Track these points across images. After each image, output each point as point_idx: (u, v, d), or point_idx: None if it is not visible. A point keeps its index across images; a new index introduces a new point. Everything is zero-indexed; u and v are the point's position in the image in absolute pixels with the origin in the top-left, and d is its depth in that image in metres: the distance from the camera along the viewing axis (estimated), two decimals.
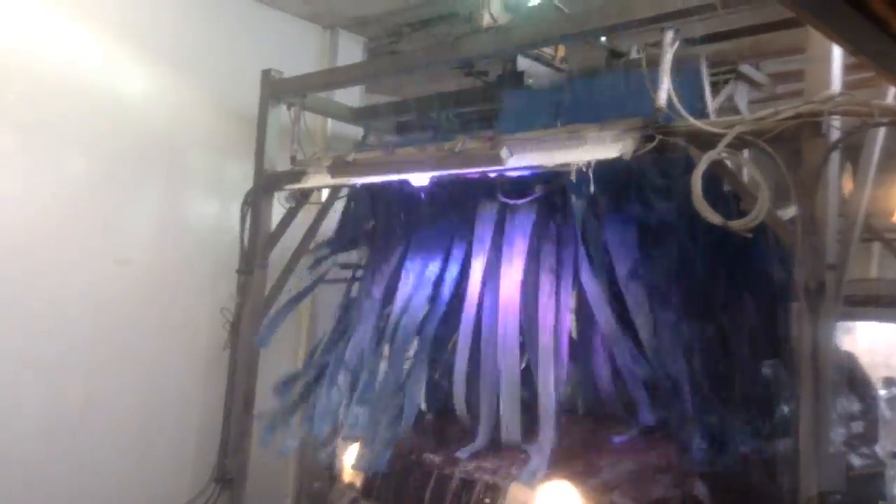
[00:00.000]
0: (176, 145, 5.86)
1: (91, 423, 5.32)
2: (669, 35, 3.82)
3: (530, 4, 4.48)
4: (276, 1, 6.40)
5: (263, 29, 6.42)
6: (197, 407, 6.00)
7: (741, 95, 4.42)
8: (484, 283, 4.65)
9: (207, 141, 6.07)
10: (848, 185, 3.59)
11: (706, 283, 4.42)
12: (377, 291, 5.15)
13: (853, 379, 4.92)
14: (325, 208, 5.77)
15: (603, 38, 4.77)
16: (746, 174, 3.81)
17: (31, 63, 5.04)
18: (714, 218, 3.45)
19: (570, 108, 4.46)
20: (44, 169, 5.11)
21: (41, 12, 5.09)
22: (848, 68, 3.59)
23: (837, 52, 3.51)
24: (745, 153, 3.77)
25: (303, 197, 5.67)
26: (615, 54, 4.97)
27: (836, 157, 3.45)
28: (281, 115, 5.92)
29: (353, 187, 5.21)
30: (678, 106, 3.66)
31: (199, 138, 6.01)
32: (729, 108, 4.63)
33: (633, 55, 4.89)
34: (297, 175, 5.52)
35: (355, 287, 5.52)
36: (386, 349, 4.96)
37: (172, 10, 5.81)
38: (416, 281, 4.97)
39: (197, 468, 5.87)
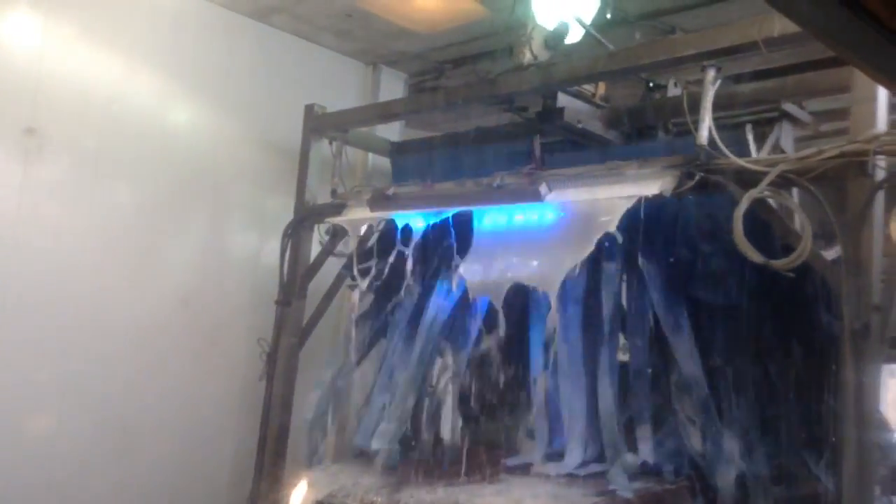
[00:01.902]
0: (219, 178, 5.98)
1: (128, 451, 5.37)
2: (711, 73, 3.81)
3: (571, 42, 4.49)
4: (319, 38, 6.51)
5: (307, 65, 6.54)
6: (232, 436, 6.02)
7: (786, 134, 4.37)
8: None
9: (250, 173, 6.18)
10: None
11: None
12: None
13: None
14: (363, 240, 5.78)
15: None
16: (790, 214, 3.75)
17: (82, 97, 5.20)
18: (756, 257, 3.42)
19: None
20: (91, 199, 5.25)
21: (92, 47, 5.26)
22: (894, 107, 3.54)
23: (883, 91, 3.46)
24: (794, 193, 3.72)
25: (341, 229, 5.70)
26: (653, 88, 4.94)
27: (881, 196, 3.40)
28: (322, 148, 5.98)
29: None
30: (720, 143, 3.64)
31: (241, 171, 6.12)
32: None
33: (672, 90, 4.86)
34: (337, 208, 5.56)
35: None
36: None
37: (219, 47, 5.97)
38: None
39: (231, 497, 5.87)
